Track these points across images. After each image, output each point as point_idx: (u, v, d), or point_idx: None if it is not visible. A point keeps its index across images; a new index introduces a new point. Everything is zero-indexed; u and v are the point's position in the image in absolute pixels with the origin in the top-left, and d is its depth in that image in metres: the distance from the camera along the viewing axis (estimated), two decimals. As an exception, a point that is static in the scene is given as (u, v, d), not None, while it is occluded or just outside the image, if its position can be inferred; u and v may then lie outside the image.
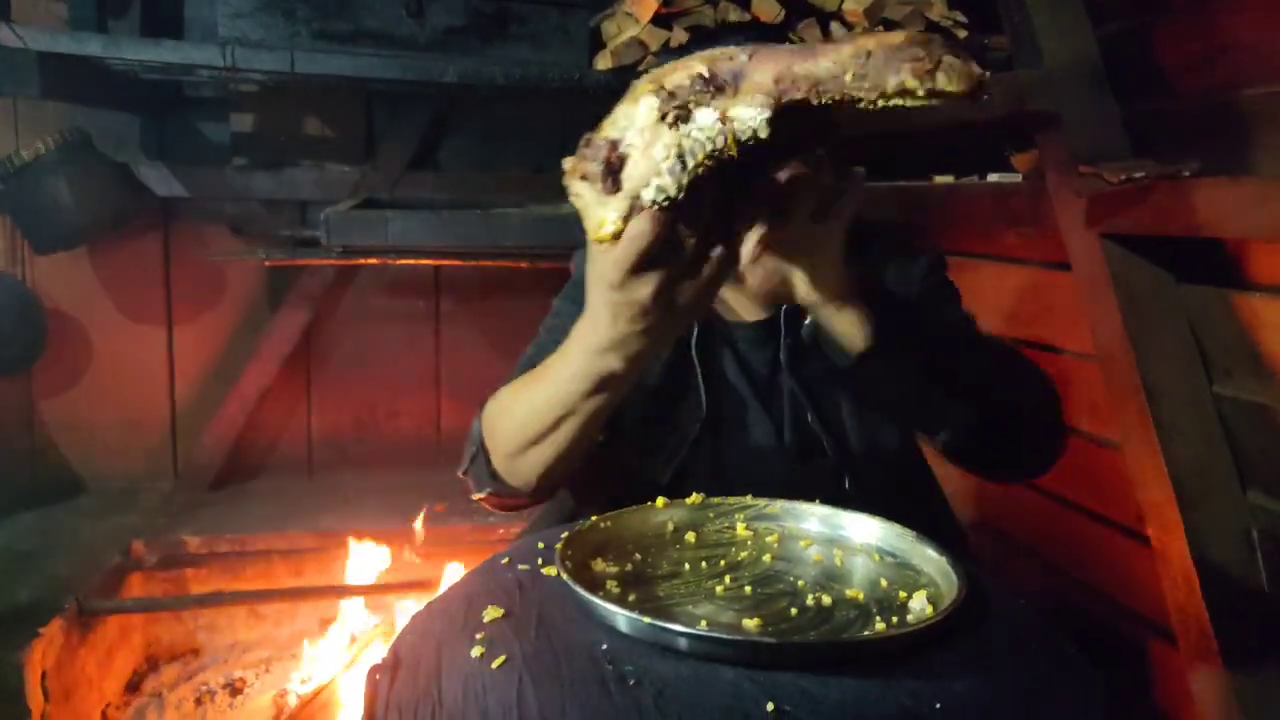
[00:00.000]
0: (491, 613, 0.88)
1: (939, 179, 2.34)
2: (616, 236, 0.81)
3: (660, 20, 2.25)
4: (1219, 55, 1.77)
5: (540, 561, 0.98)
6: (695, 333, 1.26)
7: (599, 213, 0.81)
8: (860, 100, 0.74)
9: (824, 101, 0.75)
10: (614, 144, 0.79)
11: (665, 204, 0.78)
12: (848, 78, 0.74)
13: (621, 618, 0.82)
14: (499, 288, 2.94)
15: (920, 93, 0.73)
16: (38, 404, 2.76)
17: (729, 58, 0.77)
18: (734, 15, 2.28)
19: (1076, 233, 1.92)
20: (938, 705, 0.75)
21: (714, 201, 0.83)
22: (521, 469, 1.13)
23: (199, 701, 2.37)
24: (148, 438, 2.87)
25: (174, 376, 2.87)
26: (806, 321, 1.11)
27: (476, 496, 1.21)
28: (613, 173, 0.79)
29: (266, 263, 2.69)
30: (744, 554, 1.00)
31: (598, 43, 2.46)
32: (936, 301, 1.33)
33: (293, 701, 2.26)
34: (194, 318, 2.86)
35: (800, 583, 0.95)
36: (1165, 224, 1.73)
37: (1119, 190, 1.76)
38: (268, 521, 2.62)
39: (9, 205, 2.45)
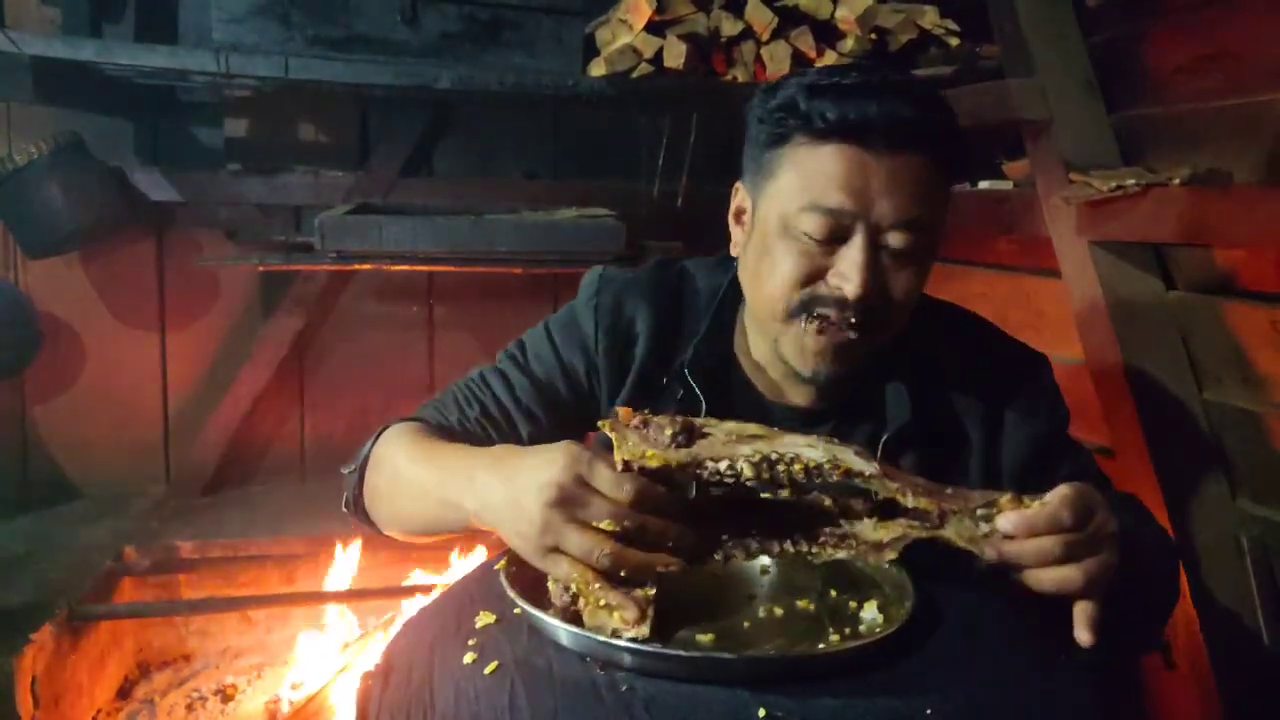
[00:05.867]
0: (484, 618, 0.88)
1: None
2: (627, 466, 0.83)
3: (654, 28, 2.25)
4: (1209, 63, 1.78)
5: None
6: (704, 409, 1.12)
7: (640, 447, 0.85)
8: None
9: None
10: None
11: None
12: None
13: (563, 632, 0.82)
14: (492, 294, 2.94)
15: None
16: (30, 408, 2.74)
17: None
18: (727, 24, 2.29)
19: (1067, 240, 1.93)
20: (929, 711, 0.75)
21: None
22: (384, 520, 1.12)
23: (190, 708, 2.36)
24: (140, 442, 2.85)
25: (167, 381, 2.86)
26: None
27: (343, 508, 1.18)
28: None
29: (260, 268, 2.68)
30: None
31: (592, 50, 2.46)
32: (1060, 449, 1.19)
33: (285, 708, 2.25)
34: (187, 322, 2.85)
35: (751, 595, 0.95)
36: (1155, 231, 1.74)
37: (1109, 198, 1.77)
38: (261, 527, 2.60)
39: (1, 209, 2.45)
